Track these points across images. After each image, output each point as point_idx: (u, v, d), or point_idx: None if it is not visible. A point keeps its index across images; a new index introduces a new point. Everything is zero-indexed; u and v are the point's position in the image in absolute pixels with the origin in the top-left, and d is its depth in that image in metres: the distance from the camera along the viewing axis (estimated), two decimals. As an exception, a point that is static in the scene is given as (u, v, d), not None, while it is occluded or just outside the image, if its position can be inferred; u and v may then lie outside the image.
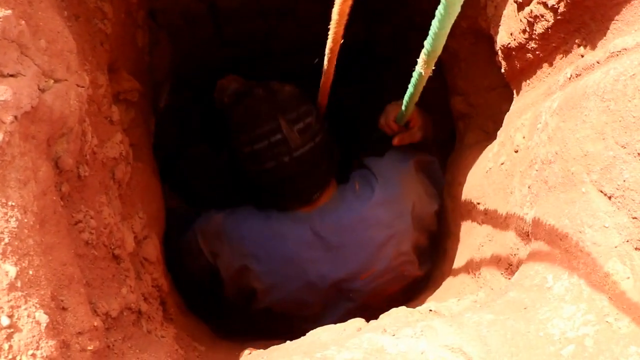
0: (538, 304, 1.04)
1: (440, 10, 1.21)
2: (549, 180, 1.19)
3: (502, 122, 1.69)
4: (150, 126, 2.02)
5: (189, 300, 2.06)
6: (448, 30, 1.27)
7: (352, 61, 1.77)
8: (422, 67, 1.47)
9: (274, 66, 3.11)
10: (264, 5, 2.79)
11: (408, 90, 1.74)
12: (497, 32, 1.58)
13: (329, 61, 1.69)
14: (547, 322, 0.99)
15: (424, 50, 1.39)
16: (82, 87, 1.18)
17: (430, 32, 1.30)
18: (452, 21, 1.23)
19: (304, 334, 1.36)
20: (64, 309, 0.98)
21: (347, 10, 1.34)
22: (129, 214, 1.49)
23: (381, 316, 1.40)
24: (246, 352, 1.36)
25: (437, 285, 2.01)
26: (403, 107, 1.94)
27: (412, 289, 2.27)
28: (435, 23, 1.26)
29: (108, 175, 1.36)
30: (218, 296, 2.30)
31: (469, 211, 1.76)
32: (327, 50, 1.61)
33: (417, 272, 2.25)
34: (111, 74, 1.60)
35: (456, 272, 1.80)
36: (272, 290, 2.15)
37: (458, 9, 1.19)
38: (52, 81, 1.08)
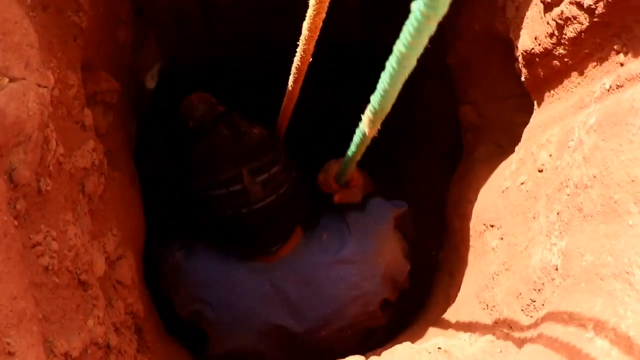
0: None
1: (391, 63, 0.99)
2: (584, 208, 1.02)
3: (516, 135, 1.54)
4: (131, 130, 1.84)
5: (169, 323, 1.89)
6: (400, 87, 1.08)
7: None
8: (366, 127, 1.29)
9: (267, 67, 2.96)
10: (260, 3, 2.64)
11: (350, 149, 1.58)
12: (518, 36, 1.43)
13: (294, 82, 1.51)
14: (591, 385, 0.83)
15: (369, 108, 1.21)
16: (45, 87, 1.02)
17: (379, 88, 1.11)
18: (406, 76, 1.03)
19: None
20: (9, 354, 0.83)
21: (319, 24, 1.17)
22: (100, 232, 1.32)
23: (383, 354, 1.23)
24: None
25: (441, 310, 1.85)
26: (343, 166, 1.82)
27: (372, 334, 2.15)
28: (385, 78, 1.05)
29: (76, 189, 1.19)
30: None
31: (481, 233, 1.59)
32: (293, 69, 1.44)
33: (381, 322, 2.11)
34: (86, 73, 1.44)
35: (464, 300, 1.63)
36: (224, 340, 1.99)
37: (414, 63, 0.97)
38: (7, 80, 0.94)
